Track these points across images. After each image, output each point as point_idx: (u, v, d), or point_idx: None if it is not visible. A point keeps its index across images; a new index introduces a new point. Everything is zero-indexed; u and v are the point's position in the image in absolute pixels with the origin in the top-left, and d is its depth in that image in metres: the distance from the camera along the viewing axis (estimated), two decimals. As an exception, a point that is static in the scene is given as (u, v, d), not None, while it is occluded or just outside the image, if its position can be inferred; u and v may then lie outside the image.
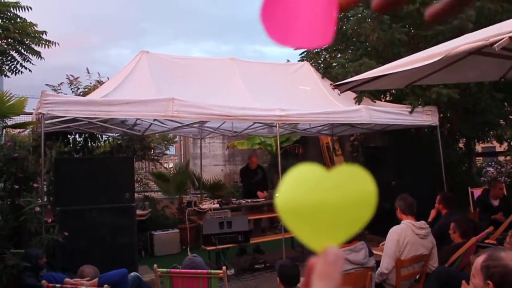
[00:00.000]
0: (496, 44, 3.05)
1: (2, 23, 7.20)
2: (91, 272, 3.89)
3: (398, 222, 4.29)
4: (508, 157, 9.93)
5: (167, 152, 12.73)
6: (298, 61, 9.41)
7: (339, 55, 9.32)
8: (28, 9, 7.34)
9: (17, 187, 5.47)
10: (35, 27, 7.54)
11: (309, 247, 0.45)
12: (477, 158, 11.40)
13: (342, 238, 0.45)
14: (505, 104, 8.54)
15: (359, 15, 7.61)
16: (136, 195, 7.28)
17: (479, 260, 2.25)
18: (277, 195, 0.46)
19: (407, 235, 4.10)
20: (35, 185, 5.67)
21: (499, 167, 10.41)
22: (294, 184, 0.46)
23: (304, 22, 0.46)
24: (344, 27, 8.83)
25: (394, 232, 4.14)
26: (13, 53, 7.65)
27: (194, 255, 3.91)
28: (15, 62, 7.73)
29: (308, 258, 0.45)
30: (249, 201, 7.90)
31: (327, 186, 0.45)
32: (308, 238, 0.45)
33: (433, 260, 4.31)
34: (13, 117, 6.40)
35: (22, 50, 7.70)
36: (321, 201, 0.45)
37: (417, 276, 4.34)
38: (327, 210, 0.45)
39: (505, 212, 6.49)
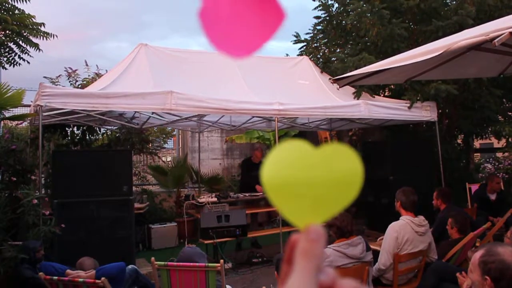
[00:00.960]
0: (496, 40, 3.04)
1: (0, 14, 7.15)
2: (91, 264, 3.89)
3: (396, 217, 4.29)
4: (506, 153, 9.94)
5: (165, 145, 12.72)
6: (297, 55, 9.39)
7: (338, 50, 9.30)
8: (26, 1, 7.30)
9: (14, 179, 5.46)
10: (33, 19, 7.49)
11: (292, 223, 0.44)
12: (475, 154, 11.41)
13: (325, 216, 0.44)
14: (504, 100, 8.54)
15: (359, 10, 7.59)
16: (134, 188, 7.29)
17: (476, 256, 2.26)
18: (263, 170, 0.45)
19: (406, 233, 4.10)
20: (32, 177, 5.67)
21: (497, 163, 10.42)
22: (280, 160, 0.46)
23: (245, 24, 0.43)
24: (344, 22, 8.81)
25: (393, 229, 4.14)
26: (11, 44, 7.61)
27: (190, 246, 3.91)
28: (13, 54, 7.69)
29: (290, 235, 0.45)
30: (247, 195, 7.90)
31: (314, 163, 0.45)
32: (292, 215, 0.45)
33: (432, 252, 4.33)
34: (11, 109, 6.38)
35: (20, 42, 7.66)
36: (307, 178, 0.45)
37: (415, 271, 4.35)
38: (312, 187, 0.44)
39: (501, 206, 6.55)
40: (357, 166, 0.45)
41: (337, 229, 3.69)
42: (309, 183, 0.44)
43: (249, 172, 8.31)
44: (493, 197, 6.91)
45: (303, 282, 0.40)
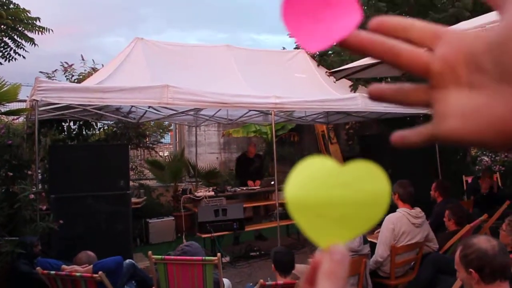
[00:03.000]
0: (493, 31, 3.03)
1: (-6, 9, 7.11)
2: (86, 259, 3.89)
3: (393, 210, 4.30)
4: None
5: (162, 140, 12.70)
6: (294, 48, 9.37)
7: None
8: (20, -5, 7.26)
9: (11, 174, 5.44)
10: (28, 14, 7.45)
11: (315, 243, 0.43)
12: (472, 146, 11.42)
13: (350, 236, 0.43)
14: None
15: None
16: (131, 183, 7.27)
17: (456, 254, 2.30)
18: (286, 187, 0.43)
19: (402, 225, 4.12)
20: (29, 172, 5.65)
21: (493, 156, 10.44)
22: (304, 178, 0.44)
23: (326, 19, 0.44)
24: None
25: (389, 221, 4.15)
26: (6, 39, 7.56)
27: (187, 243, 3.91)
28: (8, 49, 7.65)
29: (313, 254, 0.43)
30: (244, 189, 7.91)
31: (340, 182, 0.43)
32: (315, 234, 0.43)
33: (432, 242, 4.35)
34: (7, 104, 6.35)
35: (15, 37, 7.62)
36: (332, 198, 0.43)
37: (412, 263, 4.37)
38: (337, 207, 0.43)
39: (493, 199, 6.58)
40: (384, 186, 0.43)
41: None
42: (334, 203, 0.43)
43: (245, 167, 8.31)
44: (485, 190, 6.93)
45: None
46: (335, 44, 0.43)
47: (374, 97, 0.44)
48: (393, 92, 0.44)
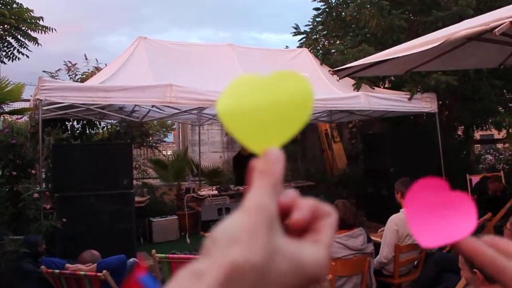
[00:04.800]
0: (497, 29, 3.03)
1: (-2, 8, 7.12)
2: (90, 257, 3.90)
3: (396, 208, 4.29)
4: (507, 144, 9.92)
5: (166, 139, 12.71)
6: (297, 47, 9.36)
7: (338, 42, 9.28)
8: (24, -5, 7.28)
9: (15, 173, 5.46)
10: (31, 13, 7.47)
11: (251, 149, 0.44)
12: (476, 145, 11.41)
13: (282, 138, 0.45)
14: (504, 91, 8.52)
15: (358, 1, 7.56)
16: (134, 182, 7.28)
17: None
18: (217, 102, 0.46)
19: (407, 227, 4.10)
20: (33, 171, 5.66)
21: (497, 154, 10.42)
22: (233, 91, 0.47)
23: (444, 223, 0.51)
24: (343, 13, 8.78)
25: (393, 223, 4.13)
26: (9, 39, 7.59)
27: None
28: (11, 48, 7.67)
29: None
30: (247, 187, 7.91)
31: (265, 88, 0.46)
32: (250, 140, 0.45)
33: None
34: (11, 104, 6.37)
35: (19, 36, 7.64)
36: (260, 102, 0.45)
37: (415, 262, 4.37)
38: (266, 110, 0.45)
39: (501, 202, 6.52)
40: (306, 85, 0.45)
41: (340, 221, 3.69)
42: (263, 107, 0.45)
43: (240, 166, 8.31)
44: (493, 193, 6.87)
45: (261, 197, 0.40)
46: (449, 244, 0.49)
47: None
48: None
